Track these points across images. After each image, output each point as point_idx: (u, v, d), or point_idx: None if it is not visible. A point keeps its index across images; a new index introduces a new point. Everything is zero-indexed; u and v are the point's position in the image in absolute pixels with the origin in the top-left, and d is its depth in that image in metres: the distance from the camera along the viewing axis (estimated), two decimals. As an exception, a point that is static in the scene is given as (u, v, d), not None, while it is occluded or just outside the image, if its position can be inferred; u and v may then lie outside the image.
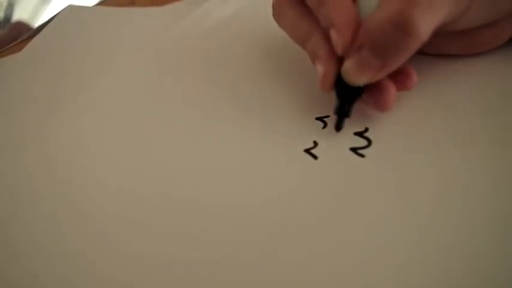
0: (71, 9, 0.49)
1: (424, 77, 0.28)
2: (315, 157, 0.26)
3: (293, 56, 0.33)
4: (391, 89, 0.25)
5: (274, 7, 0.29)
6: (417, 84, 0.26)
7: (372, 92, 0.25)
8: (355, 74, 0.24)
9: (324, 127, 0.27)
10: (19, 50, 0.43)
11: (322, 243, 0.22)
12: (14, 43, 0.49)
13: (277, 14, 0.29)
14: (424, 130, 0.26)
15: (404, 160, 0.25)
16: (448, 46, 0.29)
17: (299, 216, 0.23)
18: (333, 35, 0.24)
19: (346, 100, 0.26)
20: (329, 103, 0.28)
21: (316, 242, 0.22)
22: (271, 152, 0.27)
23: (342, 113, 0.26)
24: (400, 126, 0.26)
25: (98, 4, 0.55)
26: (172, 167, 0.27)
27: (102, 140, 0.30)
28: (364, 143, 0.26)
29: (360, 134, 0.26)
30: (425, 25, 0.22)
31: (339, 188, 0.24)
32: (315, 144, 0.26)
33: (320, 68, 0.26)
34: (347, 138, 0.26)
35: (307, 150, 0.26)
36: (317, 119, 0.28)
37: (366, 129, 0.27)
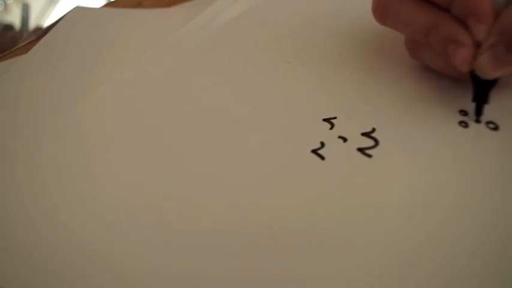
0: (78, 10, 0.49)
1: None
2: (322, 158, 0.26)
3: (301, 58, 0.33)
4: None
5: (379, 5, 0.29)
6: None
7: None
8: (490, 70, 0.25)
9: (331, 128, 0.27)
10: (26, 51, 0.43)
11: (329, 244, 0.22)
12: (21, 44, 0.49)
13: (386, 11, 0.29)
14: (430, 131, 0.26)
15: (412, 160, 0.25)
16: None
17: (306, 217, 0.23)
18: (473, 22, 0.25)
19: (484, 87, 0.26)
20: (336, 104, 0.28)
21: (323, 243, 0.22)
22: (278, 153, 0.27)
23: (481, 100, 0.26)
24: (407, 126, 0.26)
25: (105, 5, 0.55)
26: (185, 166, 0.27)
27: (114, 139, 0.30)
28: (371, 143, 0.26)
29: (367, 135, 0.26)
30: None
31: (346, 189, 0.24)
32: (322, 145, 0.26)
33: (463, 51, 0.25)
34: (354, 138, 0.26)
35: (315, 151, 0.26)
36: (324, 120, 0.28)
37: (373, 130, 0.27)
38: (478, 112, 0.27)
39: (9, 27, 1.47)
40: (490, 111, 0.27)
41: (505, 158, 0.24)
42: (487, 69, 0.25)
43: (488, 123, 0.26)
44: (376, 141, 0.26)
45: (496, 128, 0.26)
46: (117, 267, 0.22)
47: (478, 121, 0.27)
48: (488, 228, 0.21)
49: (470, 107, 0.27)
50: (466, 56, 0.25)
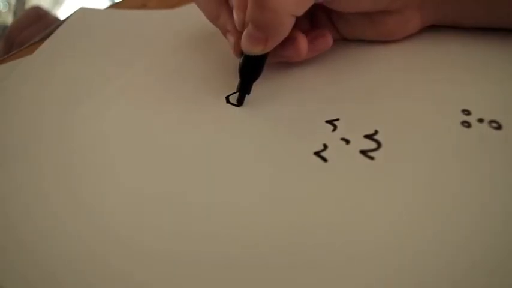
0: (82, 11, 0.49)
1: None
2: (325, 160, 0.26)
3: (303, 60, 0.33)
4: (299, 35, 0.30)
5: None
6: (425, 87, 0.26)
7: (286, 46, 0.30)
8: (248, 45, 0.29)
9: (333, 130, 0.27)
10: (31, 52, 0.43)
11: (331, 246, 0.22)
12: (26, 45, 0.49)
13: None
14: (433, 132, 0.26)
15: (414, 162, 0.25)
16: (363, 31, 0.34)
17: (308, 219, 0.23)
18: (234, 14, 0.30)
19: (248, 79, 0.31)
20: (339, 106, 0.28)
21: (325, 245, 0.22)
22: (281, 155, 0.27)
23: (244, 90, 0.31)
24: (410, 128, 0.26)
25: (110, 7, 0.55)
26: (186, 169, 0.27)
27: (114, 142, 0.30)
28: (373, 145, 0.26)
29: (369, 137, 0.26)
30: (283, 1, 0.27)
31: (348, 191, 0.24)
32: (325, 147, 0.26)
33: (230, 38, 0.32)
34: (357, 140, 0.26)
35: (317, 153, 0.26)
36: (327, 122, 0.28)
37: (376, 132, 0.27)
38: (240, 101, 0.31)
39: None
40: (492, 110, 0.27)
41: (509, 157, 0.24)
42: (245, 45, 0.29)
43: (491, 122, 0.26)
44: (379, 144, 0.26)
45: (499, 127, 0.26)
46: (117, 269, 0.22)
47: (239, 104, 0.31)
48: (492, 229, 0.21)
49: (471, 106, 0.27)
50: (233, 40, 0.31)
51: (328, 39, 0.32)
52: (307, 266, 0.21)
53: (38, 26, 0.69)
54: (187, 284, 0.21)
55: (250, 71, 0.31)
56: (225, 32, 0.32)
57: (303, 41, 0.30)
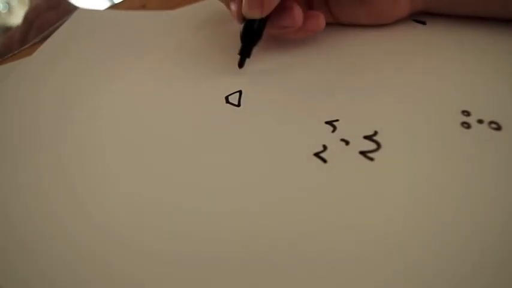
0: (81, 12, 0.49)
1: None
2: (325, 161, 0.26)
3: (303, 62, 0.33)
4: (295, 6, 0.32)
5: None
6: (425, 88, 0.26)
7: (281, 15, 0.32)
8: (247, 9, 0.31)
9: (333, 131, 0.27)
10: (30, 53, 0.43)
11: (331, 246, 0.22)
12: (26, 46, 0.49)
13: None
14: (433, 133, 0.26)
15: (414, 163, 0.25)
16: (354, 11, 0.36)
17: (308, 220, 0.23)
18: None
19: (248, 43, 0.33)
20: (339, 107, 0.28)
21: (325, 245, 0.22)
22: (281, 156, 0.27)
23: (244, 53, 0.34)
24: (410, 129, 0.26)
25: (109, 7, 0.55)
26: (184, 171, 0.27)
27: (113, 143, 0.30)
28: (373, 146, 0.26)
29: (369, 138, 0.26)
30: None
31: (348, 192, 0.24)
32: (325, 148, 0.26)
33: (233, 6, 0.33)
34: (356, 141, 0.26)
35: (317, 154, 0.26)
36: (326, 122, 0.28)
37: (375, 133, 0.27)
38: (241, 64, 0.34)
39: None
40: (491, 111, 0.27)
41: (508, 158, 0.24)
42: (245, 9, 0.31)
43: (490, 123, 0.26)
44: (378, 145, 0.26)
45: (498, 128, 0.26)
46: (117, 269, 0.22)
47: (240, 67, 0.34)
48: (493, 229, 0.21)
49: (470, 107, 0.27)
50: (235, 8, 0.33)
51: (321, 21, 0.34)
52: (306, 266, 0.21)
53: (58, 12, 0.69)
54: (187, 284, 0.21)
55: (250, 35, 0.33)
56: (228, 3, 0.34)
57: (297, 10, 0.32)
